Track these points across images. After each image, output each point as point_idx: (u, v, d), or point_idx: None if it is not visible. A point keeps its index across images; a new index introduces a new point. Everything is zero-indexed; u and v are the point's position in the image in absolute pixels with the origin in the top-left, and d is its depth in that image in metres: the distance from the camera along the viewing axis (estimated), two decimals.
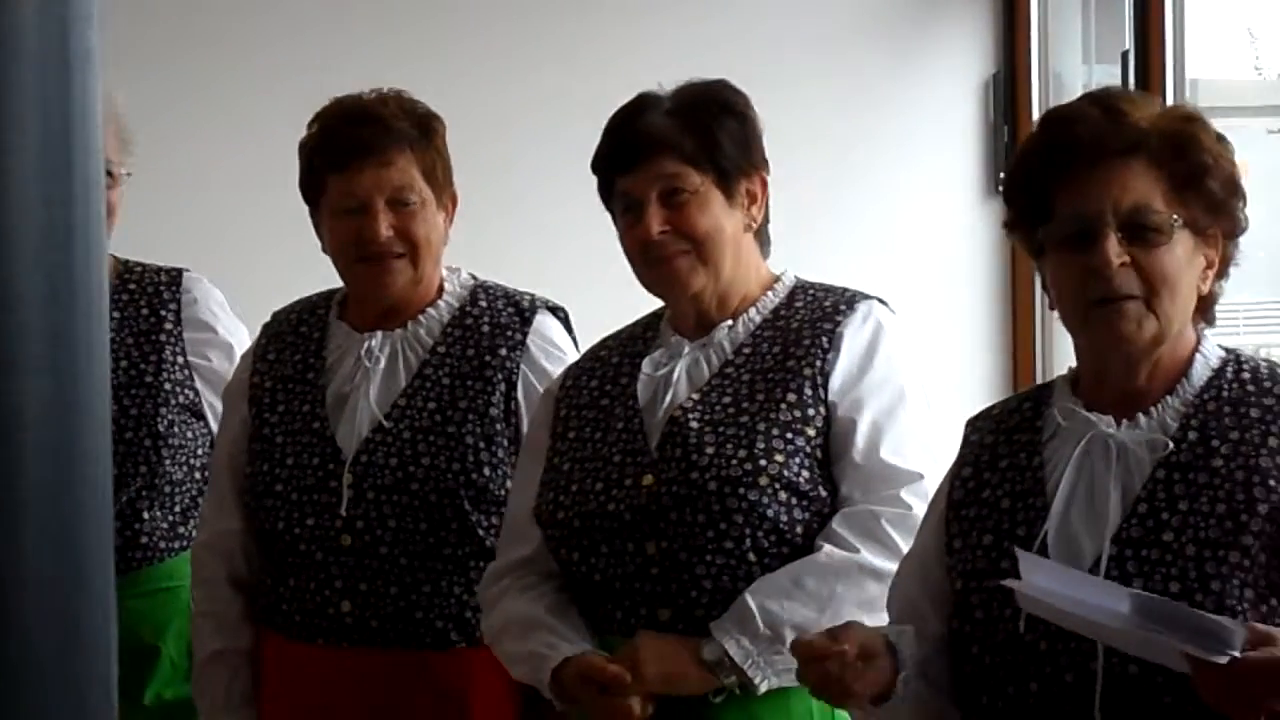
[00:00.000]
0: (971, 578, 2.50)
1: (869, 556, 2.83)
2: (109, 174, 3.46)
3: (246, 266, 4.79)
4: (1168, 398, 2.47)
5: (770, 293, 3.02)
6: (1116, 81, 4.93)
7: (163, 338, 3.68)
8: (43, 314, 1.35)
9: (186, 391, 3.67)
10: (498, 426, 3.24)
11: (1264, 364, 2.52)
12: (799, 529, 2.86)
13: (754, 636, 2.81)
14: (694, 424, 2.90)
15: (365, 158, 3.23)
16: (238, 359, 3.54)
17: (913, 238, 5.67)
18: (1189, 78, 4.94)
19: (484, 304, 3.32)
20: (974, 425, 2.64)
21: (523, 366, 3.27)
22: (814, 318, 2.96)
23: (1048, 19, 5.64)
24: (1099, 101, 2.51)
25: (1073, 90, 5.36)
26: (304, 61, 5.30)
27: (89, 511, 1.39)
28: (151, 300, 3.70)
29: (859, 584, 2.83)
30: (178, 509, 3.67)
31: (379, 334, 3.31)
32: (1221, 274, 2.51)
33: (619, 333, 3.13)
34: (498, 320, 3.30)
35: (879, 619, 2.69)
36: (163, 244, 3.94)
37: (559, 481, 2.99)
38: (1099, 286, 2.42)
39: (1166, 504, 2.41)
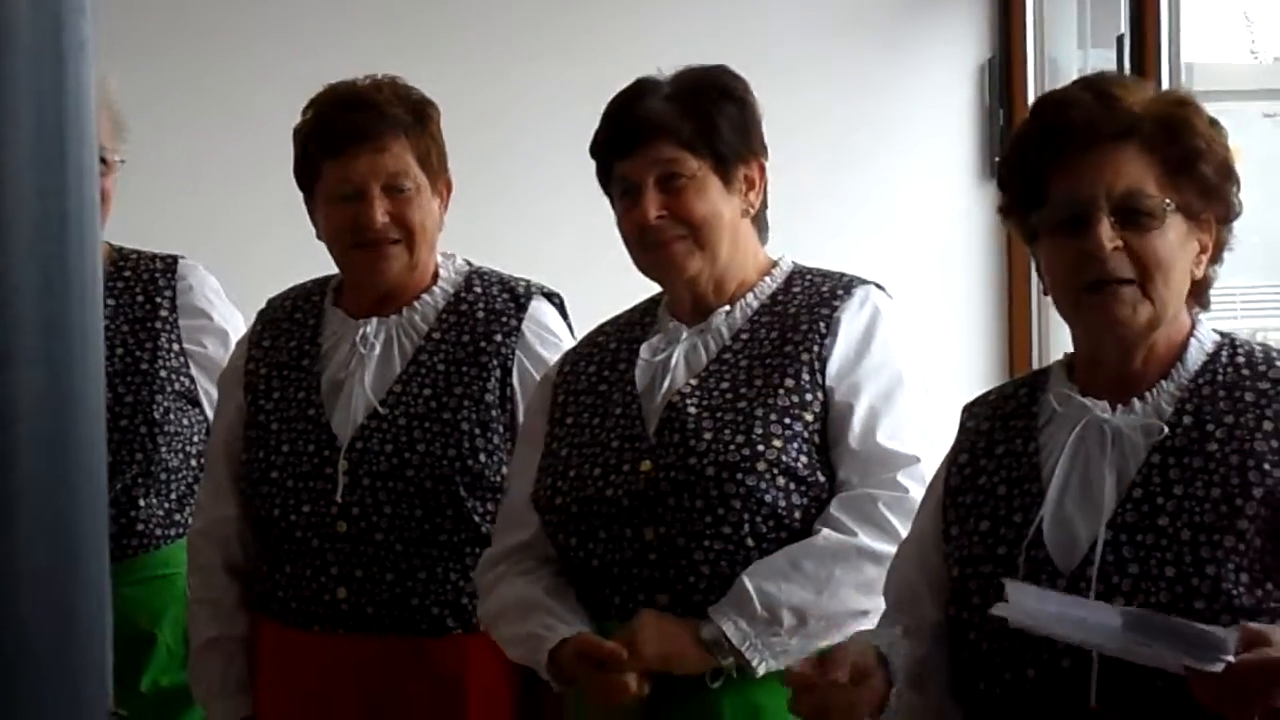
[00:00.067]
0: (968, 564, 2.50)
1: (867, 540, 2.84)
2: (103, 160, 3.46)
3: (242, 253, 4.79)
4: (1163, 382, 2.48)
5: (768, 278, 3.02)
6: (1112, 66, 4.94)
7: (158, 325, 3.68)
8: (37, 306, 1.35)
9: (182, 378, 3.67)
10: (493, 413, 3.24)
11: (1259, 348, 2.52)
12: (797, 514, 2.87)
13: (751, 618, 2.82)
14: (692, 409, 2.91)
15: (360, 144, 3.23)
16: (233, 346, 3.55)
17: (908, 222, 5.67)
18: (1184, 62, 4.94)
19: (479, 290, 3.32)
20: (970, 411, 2.64)
21: (518, 352, 3.27)
22: (812, 303, 2.97)
23: (1043, 3, 5.64)
24: (1092, 86, 2.51)
25: (1068, 75, 5.36)
26: (299, 49, 5.30)
27: (84, 500, 1.39)
28: (147, 287, 3.71)
29: (857, 567, 2.83)
30: (173, 496, 3.67)
31: (374, 320, 3.31)
32: (1216, 259, 2.52)
33: (617, 318, 3.14)
34: (493, 306, 3.30)
35: (876, 602, 2.69)
36: (158, 231, 3.94)
37: (557, 467, 2.99)
38: (1092, 270, 2.42)
39: (1162, 489, 2.41)
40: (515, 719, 3.25)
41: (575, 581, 2.97)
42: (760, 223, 3.04)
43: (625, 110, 2.98)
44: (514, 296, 3.32)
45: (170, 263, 3.74)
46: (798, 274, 3.03)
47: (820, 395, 2.91)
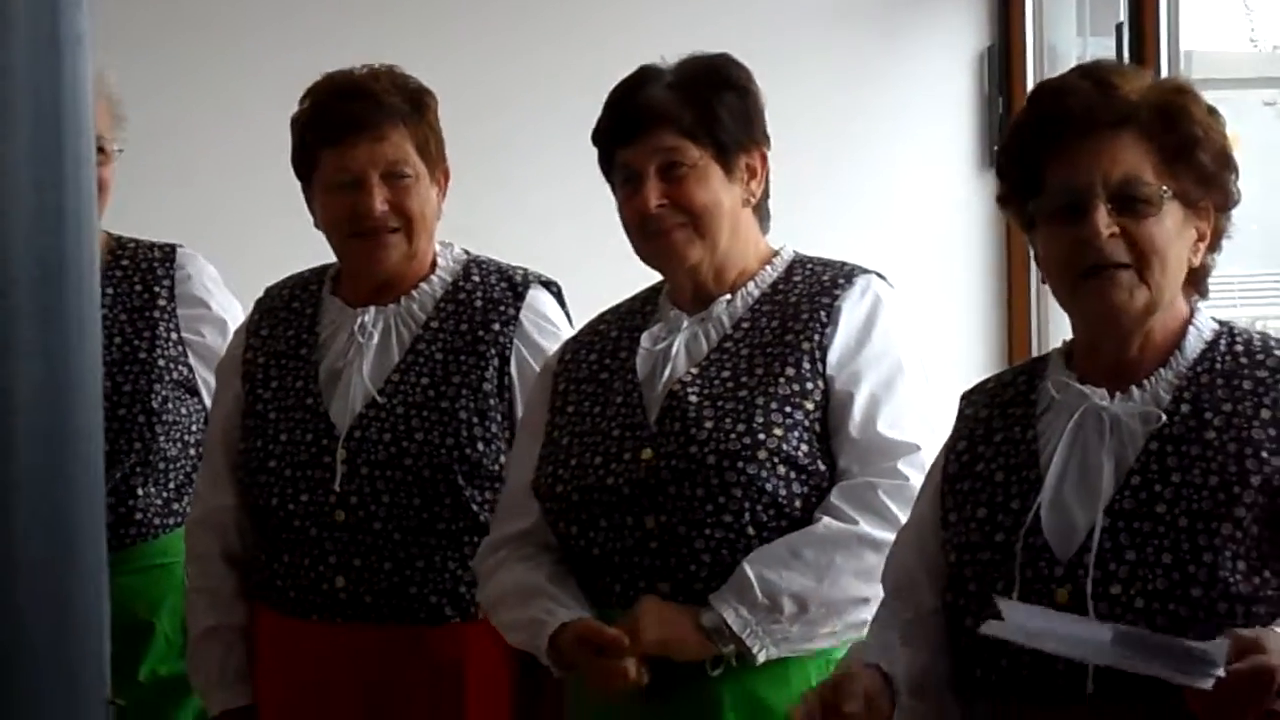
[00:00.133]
0: (965, 551, 2.51)
1: (868, 528, 2.84)
2: (101, 150, 3.46)
3: (240, 242, 4.79)
4: (1161, 370, 2.48)
5: (769, 267, 3.02)
6: (1111, 54, 4.94)
7: (156, 314, 3.68)
8: (34, 299, 1.35)
9: (180, 367, 3.67)
10: (491, 401, 3.24)
11: (1257, 336, 2.53)
12: (797, 503, 2.87)
13: (752, 605, 2.82)
14: (693, 398, 2.91)
15: (359, 132, 3.23)
16: (231, 334, 3.54)
17: (907, 211, 5.67)
18: (1184, 50, 4.94)
19: (477, 279, 3.32)
20: (968, 399, 2.65)
21: (516, 341, 3.27)
22: (812, 292, 2.97)
23: None
24: (1089, 74, 2.51)
25: (1067, 63, 5.36)
26: (297, 39, 5.29)
27: (81, 491, 1.39)
28: (145, 276, 3.71)
29: (857, 554, 2.84)
30: (172, 485, 3.67)
31: (372, 309, 3.31)
32: (1213, 247, 2.52)
33: (617, 307, 3.14)
34: (491, 295, 3.30)
35: (876, 589, 2.70)
36: (157, 221, 3.94)
37: (558, 455, 2.99)
38: (1089, 255, 2.42)
39: (1159, 476, 2.42)
40: (513, 707, 3.26)
41: (576, 570, 2.97)
42: (761, 212, 3.05)
43: (627, 98, 2.98)
44: (512, 285, 3.32)
45: (169, 252, 3.75)
46: (799, 263, 3.04)
47: (821, 384, 2.91)
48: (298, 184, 3.33)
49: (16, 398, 1.36)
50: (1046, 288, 2.57)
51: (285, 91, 3.39)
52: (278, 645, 3.29)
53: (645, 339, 3.02)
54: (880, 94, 5.68)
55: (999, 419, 2.57)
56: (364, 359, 3.28)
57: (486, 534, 3.11)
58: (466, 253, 3.38)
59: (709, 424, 2.88)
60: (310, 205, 3.33)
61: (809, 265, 3.03)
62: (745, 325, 2.97)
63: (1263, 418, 2.42)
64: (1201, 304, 2.55)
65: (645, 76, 2.99)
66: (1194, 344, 2.50)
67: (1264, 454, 2.39)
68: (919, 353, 3.00)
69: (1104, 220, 2.41)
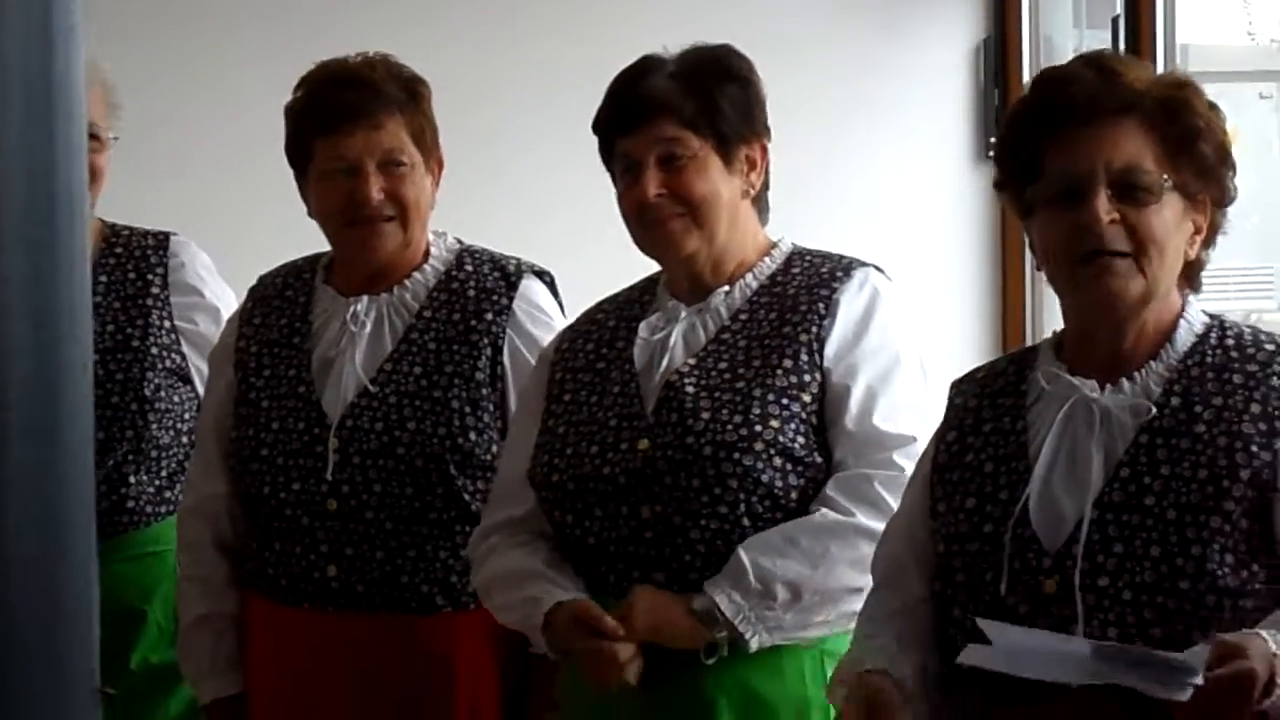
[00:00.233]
0: (954, 541, 2.51)
1: (863, 519, 2.84)
2: (96, 137, 3.45)
3: (233, 230, 4.79)
4: (1151, 363, 2.49)
5: (767, 259, 3.02)
6: (1107, 46, 4.94)
7: (149, 302, 3.68)
8: (25, 297, 1.35)
9: (173, 356, 3.67)
10: (484, 391, 3.24)
11: (1247, 330, 2.53)
12: (793, 494, 2.88)
13: (745, 591, 2.82)
14: (690, 389, 2.91)
15: (355, 121, 3.23)
16: (224, 323, 3.54)
17: (903, 202, 5.67)
18: (1180, 42, 4.94)
19: (470, 268, 3.32)
20: (958, 388, 2.65)
21: (509, 331, 3.27)
22: (811, 284, 2.97)
23: None
24: (1093, 63, 2.52)
25: (1064, 55, 5.36)
26: (291, 28, 5.29)
27: (71, 486, 1.39)
28: (138, 264, 3.70)
29: (852, 544, 2.84)
30: (164, 473, 3.67)
31: (365, 298, 3.31)
32: (1209, 242, 2.53)
33: (615, 296, 3.14)
34: (484, 285, 3.30)
35: (869, 579, 2.69)
36: (151, 209, 3.93)
37: (554, 444, 2.99)
38: (1088, 241, 2.43)
39: (1149, 468, 2.42)
40: (504, 696, 3.26)
41: (571, 558, 2.97)
42: (761, 203, 3.05)
43: (629, 88, 2.98)
44: (505, 275, 3.32)
45: (162, 239, 3.74)
46: (797, 255, 3.04)
47: (818, 376, 2.91)
48: (292, 173, 3.33)
49: (8, 394, 1.36)
50: (1042, 278, 2.57)
51: (280, 80, 3.38)
52: (269, 634, 3.29)
53: (643, 329, 3.02)
54: (876, 86, 5.68)
55: (989, 409, 2.57)
56: (356, 348, 3.28)
57: (478, 523, 3.11)
58: (460, 242, 3.37)
59: (706, 415, 2.88)
60: (304, 194, 3.33)
61: (807, 257, 3.03)
62: (743, 317, 2.97)
63: (1252, 412, 2.42)
64: (1194, 297, 2.55)
65: (647, 66, 2.99)
66: (1185, 337, 2.50)
67: (1253, 448, 2.39)
68: (916, 346, 3.00)
69: (1104, 206, 2.42)
